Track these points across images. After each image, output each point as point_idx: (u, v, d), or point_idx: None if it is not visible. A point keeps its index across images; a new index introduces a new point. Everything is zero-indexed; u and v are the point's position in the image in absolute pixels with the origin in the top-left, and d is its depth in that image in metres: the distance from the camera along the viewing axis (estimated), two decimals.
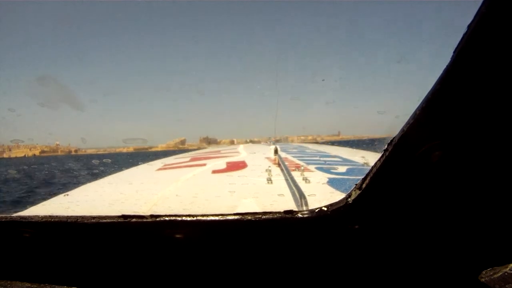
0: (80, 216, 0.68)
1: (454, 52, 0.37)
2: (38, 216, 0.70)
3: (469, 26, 0.35)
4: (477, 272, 0.65)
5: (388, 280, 0.66)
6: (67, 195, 1.45)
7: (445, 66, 0.38)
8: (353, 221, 0.60)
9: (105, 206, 1.16)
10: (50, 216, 0.70)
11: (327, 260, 0.68)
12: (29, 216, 0.71)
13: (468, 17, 0.35)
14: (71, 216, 0.68)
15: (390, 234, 0.62)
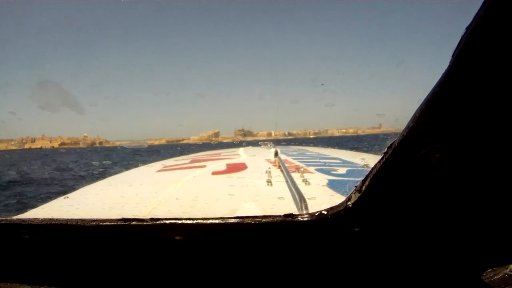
0: (80, 219, 0.68)
1: (452, 55, 0.37)
2: (38, 219, 0.70)
3: (467, 28, 0.35)
4: (477, 273, 0.65)
5: (389, 283, 0.66)
6: (67, 197, 1.45)
7: (444, 69, 0.38)
8: (353, 224, 0.60)
9: (105, 209, 1.16)
10: (50, 219, 0.70)
11: (327, 264, 0.68)
12: (29, 219, 0.71)
13: (466, 20, 0.35)
14: (71, 219, 0.68)
15: (391, 237, 0.62)
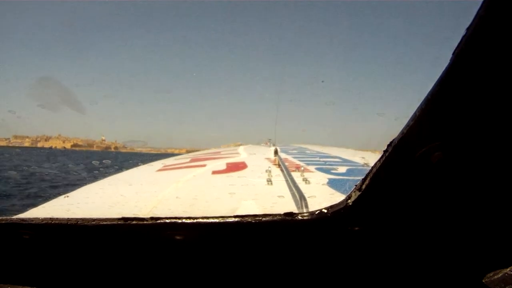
0: (80, 218, 0.68)
1: (453, 54, 0.37)
2: (38, 218, 0.70)
3: (468, 29, 0.35)
4: (477, 272, 0.65)
5: (389, 282, 0.66)
6: (67, 196, 1.45)
7: (444, 68, 0.39)
8: (353, 222, 0.60)
9: (105, 208, 1.16)
10: (50, 218, 0.70)
11: (327, 262, 0.68)
12: (29, 218, 0.71)
13: (467, 19, 0.36)
14: (71, 218, 0.68)
15: (391, 236, 0.62)
